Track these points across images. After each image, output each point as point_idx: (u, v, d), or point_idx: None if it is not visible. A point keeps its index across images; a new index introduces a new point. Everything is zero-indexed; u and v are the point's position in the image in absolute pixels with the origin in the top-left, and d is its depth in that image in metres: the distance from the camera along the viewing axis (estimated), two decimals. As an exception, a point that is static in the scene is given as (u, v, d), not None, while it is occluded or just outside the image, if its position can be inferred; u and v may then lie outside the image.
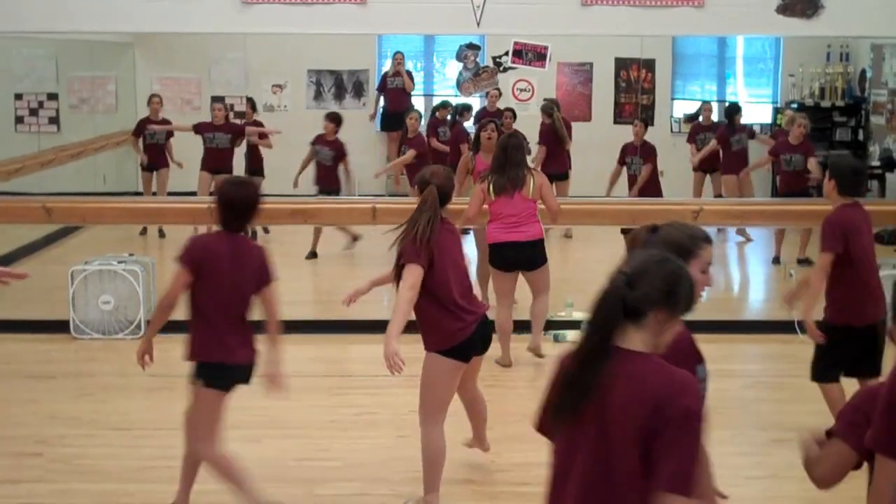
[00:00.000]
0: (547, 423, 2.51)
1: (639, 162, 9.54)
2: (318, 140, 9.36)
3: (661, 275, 2.43)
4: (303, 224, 7.77)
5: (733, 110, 10.39)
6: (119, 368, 6.45)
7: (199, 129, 9.90)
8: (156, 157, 10.36)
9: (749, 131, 10.42)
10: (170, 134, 10.36)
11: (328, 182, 9.26)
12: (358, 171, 12.52)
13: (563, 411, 2.42)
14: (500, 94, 10.11)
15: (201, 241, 4.36)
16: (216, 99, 10.58)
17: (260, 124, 10.45)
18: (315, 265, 9.55)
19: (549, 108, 9.89)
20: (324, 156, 9.28)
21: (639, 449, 2.32)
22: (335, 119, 9.35)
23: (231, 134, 9.89)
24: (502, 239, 6.27)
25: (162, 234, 10.29)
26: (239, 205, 4.20)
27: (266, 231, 10.07)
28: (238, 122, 10.43)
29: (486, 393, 5.04)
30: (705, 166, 10.51)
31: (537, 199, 6.34)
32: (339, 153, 9.25)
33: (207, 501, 4.65)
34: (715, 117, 11.14)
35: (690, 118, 11.28)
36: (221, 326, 4.21)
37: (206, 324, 4.21)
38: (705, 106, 10.92)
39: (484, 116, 9.39)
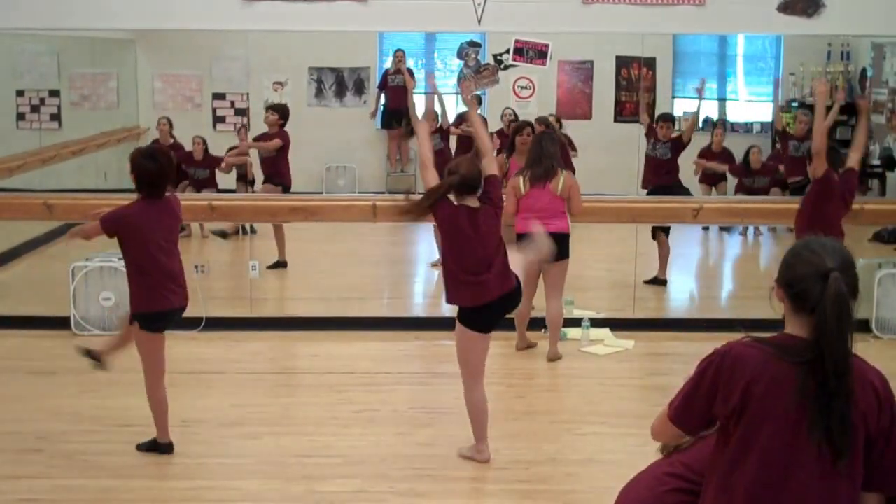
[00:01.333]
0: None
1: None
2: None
3: (852, 263, 2.39)
4: (304, 221, 7.76)
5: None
6: (119, 364, 6.44)
7: (180, 161, 9.98)
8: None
9: (771, 169, 10.30)
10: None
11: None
12: (359, 168, 12.60)
13: (816, 429, 2.31)
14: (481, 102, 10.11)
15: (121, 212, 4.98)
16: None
17: (265, 137, 9.78)
18: (315, 265, 9.54)
19: (545, 119, 9.79)
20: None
21: (865, 452, 2.33)
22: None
23: (210, 168, 10.28)
24: (530, 229, 6.36)
25: None
26: (153, 175, 4.88)
27: (253, 231, 10.05)
28: (215, 154, 10.39)
29: (486, 390, 5.05)
30: (711, 180, 10.70)
31: (565, 197, 6.54)
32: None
33: (213, 497, 4.68)
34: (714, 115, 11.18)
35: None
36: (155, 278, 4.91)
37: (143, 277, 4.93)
38: (753, 149, 10.48)
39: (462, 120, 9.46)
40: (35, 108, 10.93)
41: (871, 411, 2.32)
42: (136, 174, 4.90)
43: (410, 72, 12.25)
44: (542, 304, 6.79)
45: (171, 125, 10.47)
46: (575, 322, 7.17)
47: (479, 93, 8.95)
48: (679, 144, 8.60)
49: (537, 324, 6.90)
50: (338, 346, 7.07)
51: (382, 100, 12.52)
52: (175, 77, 12.17)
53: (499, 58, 8.42)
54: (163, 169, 4.91)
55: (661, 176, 8.55)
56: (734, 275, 10.24)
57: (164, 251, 4.91)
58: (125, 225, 4.88)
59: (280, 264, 9.11)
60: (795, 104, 11.79)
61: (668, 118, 9.03)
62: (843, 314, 2.29)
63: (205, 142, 10.38)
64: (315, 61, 12.51)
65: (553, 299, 6.65)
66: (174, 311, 5.01)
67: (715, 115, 12.14)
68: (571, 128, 10.99)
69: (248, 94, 11.14)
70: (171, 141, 10.38)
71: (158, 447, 5.09)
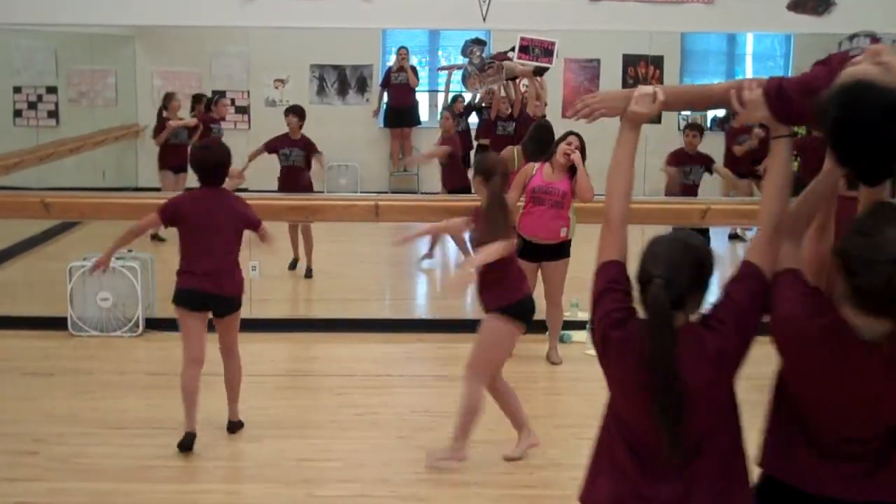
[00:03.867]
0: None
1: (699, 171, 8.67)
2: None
3: (688, 263, 2.38)
4: (305, 221, 7.68)
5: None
6: (117, 366, 6.40)
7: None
8: (181, 159, 10.16)
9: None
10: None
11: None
12: (361, 168, 12.52)
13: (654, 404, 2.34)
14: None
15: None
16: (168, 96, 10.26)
17: (213, 119, 10.08)
18: (316, 266, 9.46)
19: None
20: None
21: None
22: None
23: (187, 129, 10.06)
24: (536, 233, 6.39)
25: (161, 239, 10.20)
26: (201, 162, 5.13)
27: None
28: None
29: (488, 395, 4.98)
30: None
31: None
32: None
33: (212, 501, 4.60)
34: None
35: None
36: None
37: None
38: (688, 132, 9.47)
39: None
40: (32, 105, 10.86)
41: (708, 383, 2.36)
42: (190, 163, 5.31)
43: (414, 70, 12.24)
44: (542, 305, 6.70)
45: (179, 102, 10.25)
46: (580, 325, 7.08)
47: (482, 89, 8.84)
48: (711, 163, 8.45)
49: (539, 326, 6.79)
50: (339, 348, 6.99)
51: (385, 98, 12.44)
52: (174, 74, 12.08)
53: (500, 56, 8.34)
54: (211, 155, 5.14)
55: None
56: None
57: (206, 241, 5.06)
58: (176, 212, 5.10)
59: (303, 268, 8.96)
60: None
61: (697, 128, 8.56)
62: (660, 322, 2.31)
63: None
64: (317, 58, 12.43)
65: (551, 303, 6.54)
66: (194, 293, 5.06)
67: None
68: (577, 127, 10.87)
69: (248, 92, 11.06)
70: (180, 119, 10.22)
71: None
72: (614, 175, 2.66)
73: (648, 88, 2.62)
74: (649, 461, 2.39)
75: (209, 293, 5.07)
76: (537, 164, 6.45)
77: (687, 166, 8.38)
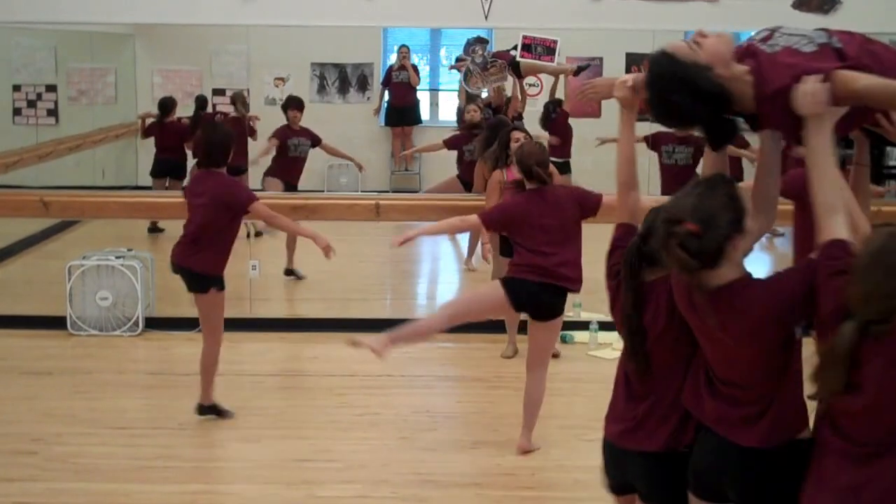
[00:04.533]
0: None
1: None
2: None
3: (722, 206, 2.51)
4: (305, 220, 7.63)
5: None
6: (116, 366, 6.37)
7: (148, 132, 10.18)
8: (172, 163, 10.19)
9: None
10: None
11: None
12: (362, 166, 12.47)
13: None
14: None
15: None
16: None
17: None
18: (316, 265, 9.41)
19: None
20: None
21: None
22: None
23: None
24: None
25: (159, 230, 10.19)
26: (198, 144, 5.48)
27: (258, 234, 9.88)
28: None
29: (490, 395, 4.98)
30: None
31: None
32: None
33: (211, 502, 4.57)
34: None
35: None
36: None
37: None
38: None
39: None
40: (32, 104, 10.82)
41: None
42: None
43: (415, 68, 12.21)
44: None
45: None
46: (583, 325, 7.05)
47: (484, 89, 8.80)
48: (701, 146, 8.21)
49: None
50: (339, 348, 6.89)
51: (386, 96, 12.41)
52: (174, 72, 12.04)
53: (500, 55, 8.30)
54: (203, 138, 5.39)
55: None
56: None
57: (192, 216, 5.34)
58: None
59: (290, 272, 8.83)
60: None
61: None
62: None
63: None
64: (317, 56, 12.39)
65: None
66: (176, 266, 5.39)
67: None
68: (579, 126, 10.83)
69: (248, 90, 11.01)
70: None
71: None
72: (617, 148, 3.16)
73: (626, 77, 3.04)
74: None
75: (176, 264, 5.39)
76: (505, 170, 6.08)
77: (669, 146, 8.06)
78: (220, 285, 5.34)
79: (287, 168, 8.73)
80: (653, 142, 8.12)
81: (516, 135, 6.05)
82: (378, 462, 4.98)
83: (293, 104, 8.80)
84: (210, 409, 5.48)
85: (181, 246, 5.33)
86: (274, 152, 8.79)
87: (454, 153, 8.79)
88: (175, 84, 11.87)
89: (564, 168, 9.78)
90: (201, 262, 5.27)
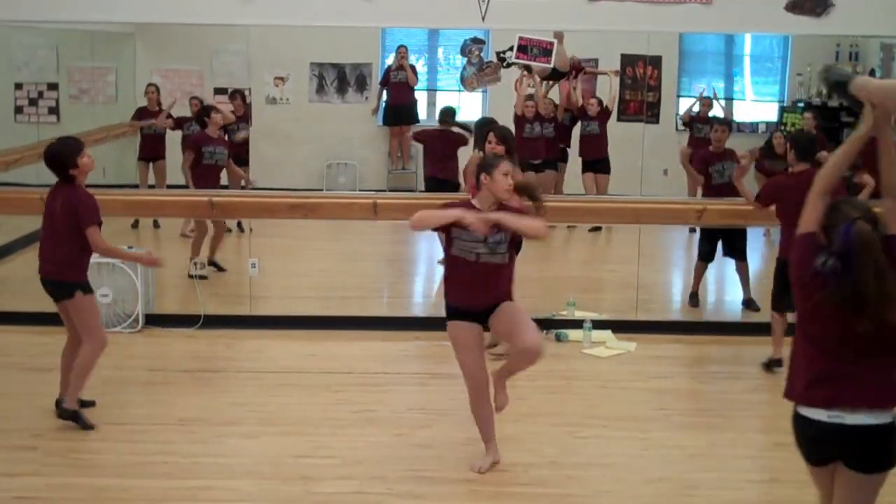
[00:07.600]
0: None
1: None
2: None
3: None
4: (304, 218, 7.69)
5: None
6: (116, 362, 6.40)
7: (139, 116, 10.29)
8: (153, 147, 10.34)
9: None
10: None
11: None
12: (360, 165, 12.54)
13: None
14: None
15: None
16: (151, 85, 10.54)
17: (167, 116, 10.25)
18: (315, 264, 9.47)
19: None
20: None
21: None
22: None
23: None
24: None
25: (157, 225, 10.27)
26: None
27: (249, 230, 9.92)
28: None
29: (489, 391, 4.99)
30: None
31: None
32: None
33: (210, 497, 4.62)
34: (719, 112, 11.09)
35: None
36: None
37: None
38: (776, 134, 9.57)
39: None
40: (33, 102, 10.85)
41: None
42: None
43: (413, 68, 12.26)
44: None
45: (158, 92, 10.41)
46: (577, 324, 7.10)
47: (480, 90, 8.86)
48: None
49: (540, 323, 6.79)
50: (336, 346, 7.01)
51: (384, 96, 12.46)
52: (175, 72, 12.07)
53: (501, 55, 8.36)
54: (50, 153, 5.33)
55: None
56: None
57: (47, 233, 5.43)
58: None
59: (212, 264, 8.84)
60: (801, 104, 11.71)
61: (726, 123, 8.29)
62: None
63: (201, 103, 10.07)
64: (316, 56, 12.43)
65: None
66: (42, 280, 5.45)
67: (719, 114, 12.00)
68: (576, 126, 10.90)
69: (249, 90, 11.05)
70: (157, 109, 10.31)
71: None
72: (843, 151, 3.33)
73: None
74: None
75: (42, 277, 5.45)
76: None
77: (718, 164, 7.90)
78: (86, 289, 5.40)
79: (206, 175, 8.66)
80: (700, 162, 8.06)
81: (492, 138, 6.14)
82: (374, 458, 5.03)
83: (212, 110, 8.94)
84: (72, 416, 5.33)
85: (46, 260, 5.40)
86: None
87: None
88: (175, 83, 11.91)
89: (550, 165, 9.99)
90: (59, 271, 5.33)
